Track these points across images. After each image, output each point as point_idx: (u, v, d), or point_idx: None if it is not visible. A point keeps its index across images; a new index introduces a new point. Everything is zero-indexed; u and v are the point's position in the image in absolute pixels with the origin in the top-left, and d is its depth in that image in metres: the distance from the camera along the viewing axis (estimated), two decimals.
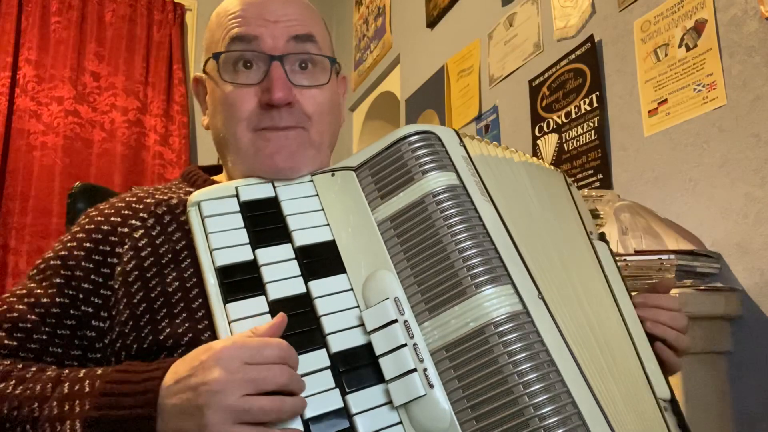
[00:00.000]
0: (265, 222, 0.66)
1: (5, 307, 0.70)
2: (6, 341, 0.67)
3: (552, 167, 0.85)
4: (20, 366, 0.64)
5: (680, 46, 1.47)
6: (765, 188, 1.25)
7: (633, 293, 0.77)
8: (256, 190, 0.69)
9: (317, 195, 0.69)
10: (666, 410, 0.65)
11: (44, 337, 0.68)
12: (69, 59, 3.34)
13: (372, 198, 0.67)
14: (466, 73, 2.43)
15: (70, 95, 3.31)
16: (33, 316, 0.69)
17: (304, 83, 0.73)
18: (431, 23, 2.72)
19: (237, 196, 0.68)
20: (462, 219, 0.62)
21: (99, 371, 0.60)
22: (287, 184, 0.70)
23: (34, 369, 0.63)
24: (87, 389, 0.58)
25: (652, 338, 0.73)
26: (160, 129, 3.48)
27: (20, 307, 0.69)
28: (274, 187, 0.69)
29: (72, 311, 0.70)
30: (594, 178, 1.71)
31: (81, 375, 0.60)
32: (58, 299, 0.70)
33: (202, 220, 0.65)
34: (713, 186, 1.36)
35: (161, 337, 0.66)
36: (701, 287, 1.21)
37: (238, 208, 0.67)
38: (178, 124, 3.53)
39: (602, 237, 0.81)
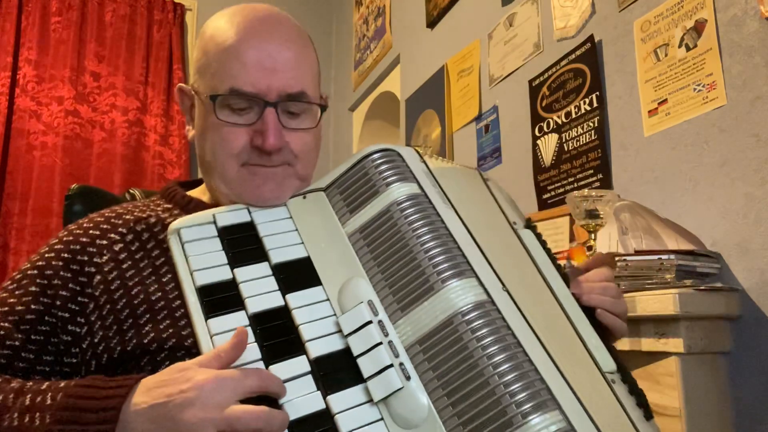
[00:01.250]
0: (242, 244, 0.70)
1: None
2: None
3: (469, 167, 0.86)
4: None
5: (680, 46, 1.47)
6: (765, 188, 1.25)
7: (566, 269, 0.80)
8: (233, 216, 0.72)
9: (291, 217, 0.73)
10: (614, 382, 0.67)
11: (17, 343, 0.69)
12: (69, 59, 3.35)
13: (342, 213, 0.72)
14: (466, 73, 2.43)
15: (70, 95, 3.32)
16: (6, 324, 0.69)
17: (294, 126, 0.75)
18: (431, 23, 2.72)
19: (215, 222, 0.71)
20: (425, 222, 0.66)
21: (62, 384, 0.60)
22: (262, 209, 0.73)
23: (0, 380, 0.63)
24: (48, 401, 0.58)
25: (591, 309, 0.76)
26: (160, 129, 3.48)
27: None
28: (250, 213, 0.73)
29: (47, 318, 0.71)
30: (594, 178, 1.71)
31: (44, 387, 0.60)
32: (33, 306, 0.71)
33: (182, 246, 0.68)
34: (713, 186, 1.36)
35: (145, 341, 0.67)
36: (701, 287, 1.21)
37: (216, 233, 0.70)
38: (178, 124, 3.53)
39: (528, 224, 0.82)
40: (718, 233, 1.34)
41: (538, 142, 1.96)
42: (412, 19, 2.92)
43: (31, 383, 0.62)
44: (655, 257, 1.21)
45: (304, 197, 0.75)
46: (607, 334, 0.76)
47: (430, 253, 0.64)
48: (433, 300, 0.61)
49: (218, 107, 0.73)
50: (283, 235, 0.71)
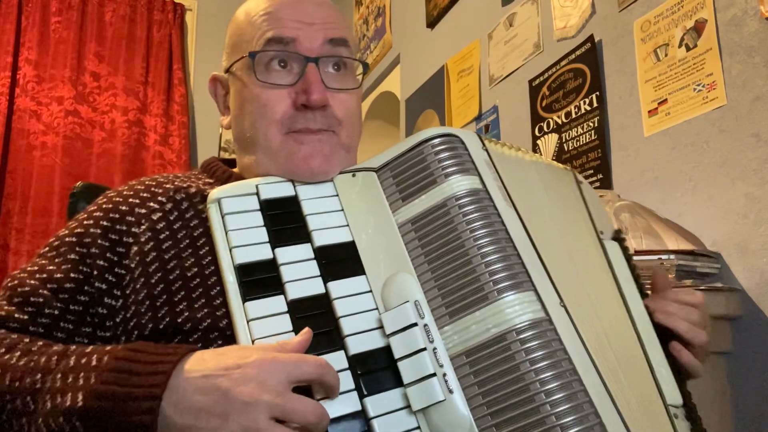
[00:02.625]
0: (285, 221, 0.66)
1: (16, 282, 0.69)
2: (16, 315, 0.66)
3: (562, 166, 0.83)
4: (27, 340, 0.63)
5: (680, 46, 1.47)
6: (765, 188, 1.25)
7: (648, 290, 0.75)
8: (277, 189, 0.68)
9: (337, 195, 0.69)
10: (677, 417, 0.64)
11: (56, 312, 0.67)
12: (69, 59, 3.35)
13: (393, 200, 0.66)
14: (466, 73, 2.43)
15: (70, 95, 3.32)
16: (45, 291, 0.68)
17: (336, 86, 0.73)
18: (431, 23, 2.72)
19: (257, 194, 0.67)
20: (485, 224, 0.61)
21: (108, 348, 0.58)
22: (307, 183, 0.70)
23: (41, 343, 0.62)
24: (94, 363, 0.55)
25: (666, 337, 0.71)
26: (160, 129, 3.48)
27: (32, 282, 0.68)
28: (294, 187, 0.69)
29: (86, 287, 0.69)
30: (594, 178, 1.71)
31: (89, 350, 0.58)
32: (72, 275, 0.69)
33: (222, 217, 0.65)
34: (713, 186, 1.36)
35: (179, 320, 0.65)
36: (701, 287, 1.21)
37: (258, 206, 0.66)
38: (178, 124, 3.53)
39: (617, 235, 0.79)
40: (718, 233, 1.34)
41: (538, 142, 1.96)
42: (412, 19, 2.92)
43: (74, 347, 0.60)
44: (655, 257, 1.21)
45: (354, 175, 0.70)
46: (679, 362, 0.72)
47: (488, 258, 0.59)
48: (485, 311, 0.57)
49: (258, 67, 0.71)
50: (327, 215, 0.67)
